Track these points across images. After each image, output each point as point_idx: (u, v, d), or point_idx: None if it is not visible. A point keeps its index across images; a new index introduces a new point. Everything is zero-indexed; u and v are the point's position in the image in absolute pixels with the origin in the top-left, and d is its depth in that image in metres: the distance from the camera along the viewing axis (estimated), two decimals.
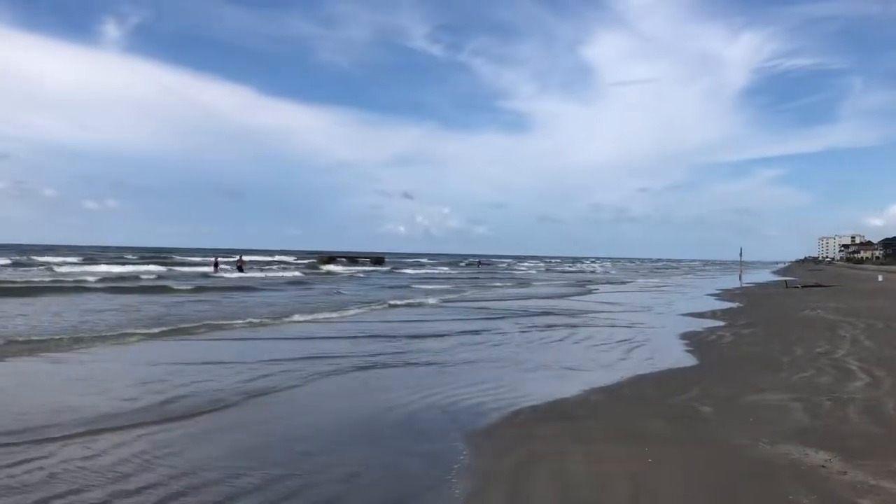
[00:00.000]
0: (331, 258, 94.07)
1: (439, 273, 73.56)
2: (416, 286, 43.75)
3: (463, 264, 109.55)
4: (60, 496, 5.67)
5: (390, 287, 42.39)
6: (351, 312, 23.81)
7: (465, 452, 7.19)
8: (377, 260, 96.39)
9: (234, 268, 55.66)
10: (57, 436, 7.49)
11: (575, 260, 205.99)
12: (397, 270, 74.62)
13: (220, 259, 69.10)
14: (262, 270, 58.91)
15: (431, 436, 7.91)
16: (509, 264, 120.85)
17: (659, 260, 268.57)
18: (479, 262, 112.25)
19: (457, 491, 6.01)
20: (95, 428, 7.87)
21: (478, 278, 61.24)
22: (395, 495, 5.94)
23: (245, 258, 70.87)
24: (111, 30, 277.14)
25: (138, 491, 5.85)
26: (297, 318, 21.14)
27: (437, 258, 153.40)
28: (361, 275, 57.97)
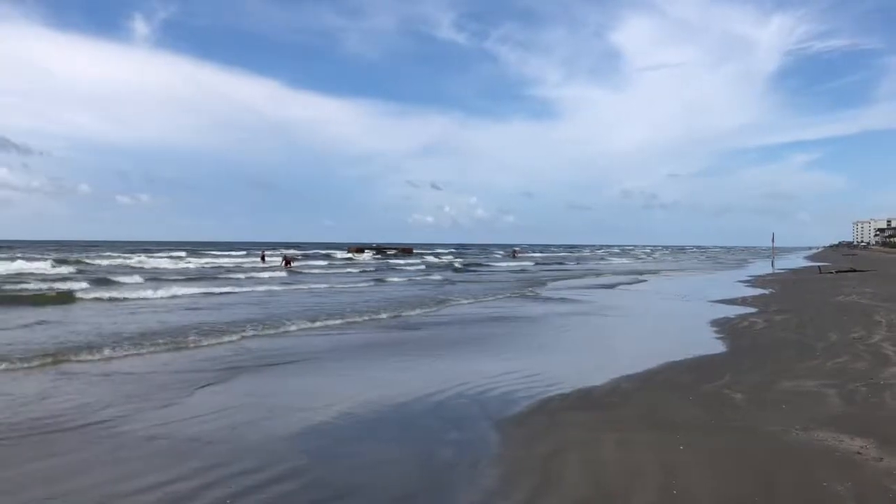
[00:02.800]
0: (360, 249, 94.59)
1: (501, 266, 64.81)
2: (500, 275, 43.85)
3: (500, 254, 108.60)
4: None
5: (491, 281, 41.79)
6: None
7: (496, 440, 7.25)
8: (406, 250, 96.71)
9: (282, 263, 56.13)
10: None
11: (604, 247, 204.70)
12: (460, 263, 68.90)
13: (266, 252, 69.65)
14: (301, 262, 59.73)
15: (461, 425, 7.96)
16: (557, 255, 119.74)
17: (688, 246, 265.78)
18: (514, 252, 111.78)
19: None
20: None
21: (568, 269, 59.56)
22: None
23: (288, 253, 71.69)
24: (140, 26, 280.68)
25: None
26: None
27: (466, 248, 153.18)
28: (428, 267, 56.92)
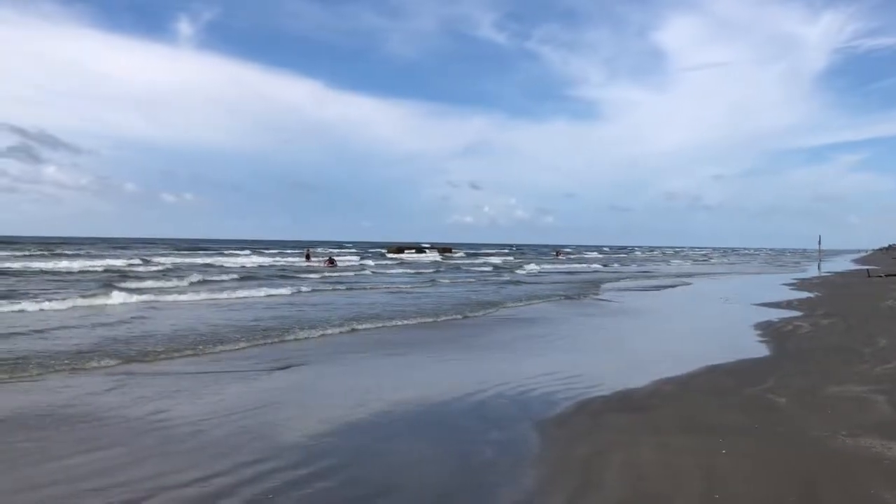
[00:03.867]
0: (399, 248, 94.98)
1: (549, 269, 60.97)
2: (538, 279, 43.72)
3: (544, 255, 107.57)
4: None
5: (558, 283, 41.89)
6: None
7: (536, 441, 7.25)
8: (444, 250, 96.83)
9: (325, 263, 56.81)
10: None
11: (647, 248, 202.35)
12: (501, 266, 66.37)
13: (311, 251, 70.40)
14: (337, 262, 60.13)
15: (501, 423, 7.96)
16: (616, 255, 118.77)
17: (733, 249, 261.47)
18: (557, 252, 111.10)
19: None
20: None
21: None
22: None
23: (329, 250, 72.45)
24: (185, 27, 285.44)
25: None
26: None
27: (503, 248, 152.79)
28: (488, 268, 56.30)
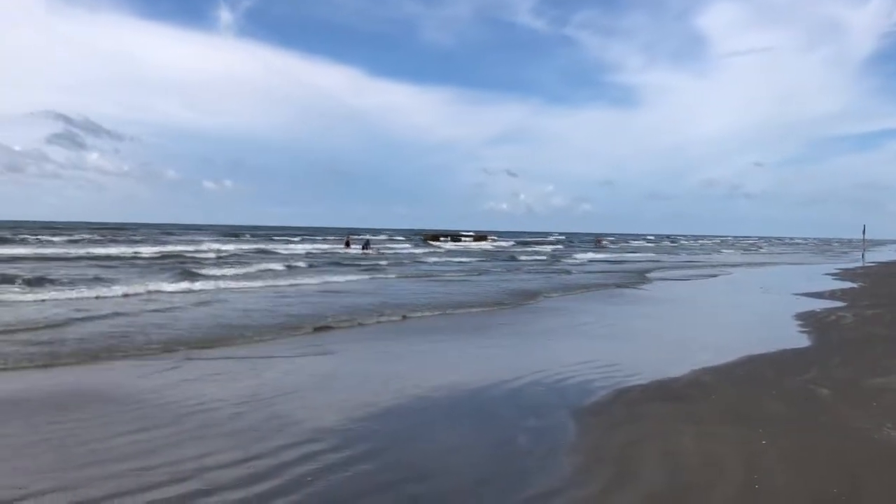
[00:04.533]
0: (434, 236, 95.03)
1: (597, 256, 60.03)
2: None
3: (572, 243, 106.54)
4: None
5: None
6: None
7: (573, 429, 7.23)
8: (480, 238, 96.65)
9: (361, 248, 57.34)
10: None
11: (690, 237, 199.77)
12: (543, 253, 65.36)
13: (351, 237, 70.88)
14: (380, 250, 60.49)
15: (539, 412, 7.95)
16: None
17: (774, 238, 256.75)
18: (598, 241, 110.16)
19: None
20: None
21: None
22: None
23: (365, 238, 72.89)
24: (225, 15, 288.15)
25: None
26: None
27: (539, 236, 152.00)
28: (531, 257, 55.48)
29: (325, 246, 62.70)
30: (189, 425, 7.16)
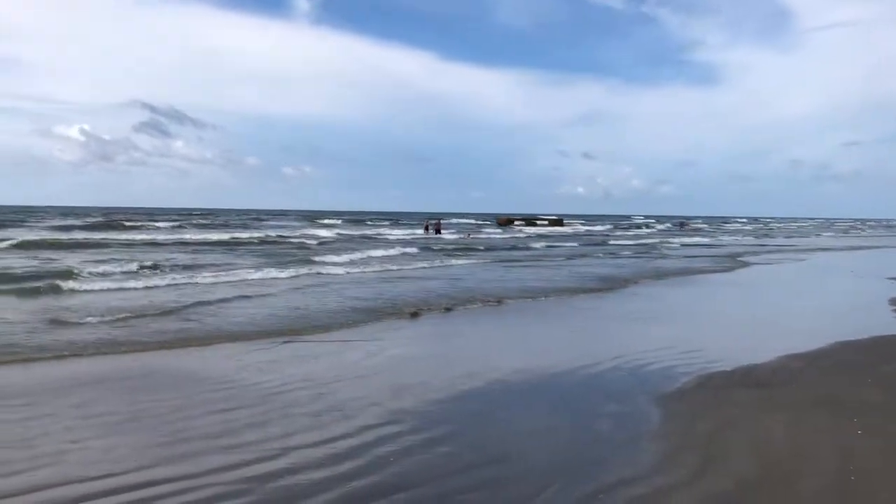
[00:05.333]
0: (509, 220, 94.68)
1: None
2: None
3: (662, 226, 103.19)
4: None
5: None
6: None
7: (655, 415, 7.11)
8: (555, 222, 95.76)
9: (433, 231, 58.03)
10: None
11: (782, 219, 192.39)
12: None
13: (430, 222, 71.46)
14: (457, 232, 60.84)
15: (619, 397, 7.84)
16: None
17: (865, 220, 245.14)
18: (682, 223, 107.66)
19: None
20: None
21: None
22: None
23: (442, 221, 73.36)
24: (302, 2, 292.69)
25: None
26: None
27: (616, 220, 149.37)
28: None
29: (412, 231, 63.02)
30: (275, 405, 7.35)
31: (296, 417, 6.92)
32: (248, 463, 5.60)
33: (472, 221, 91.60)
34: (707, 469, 5.52)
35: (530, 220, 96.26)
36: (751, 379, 8.63)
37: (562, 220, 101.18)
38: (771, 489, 5.12)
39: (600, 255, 35.67)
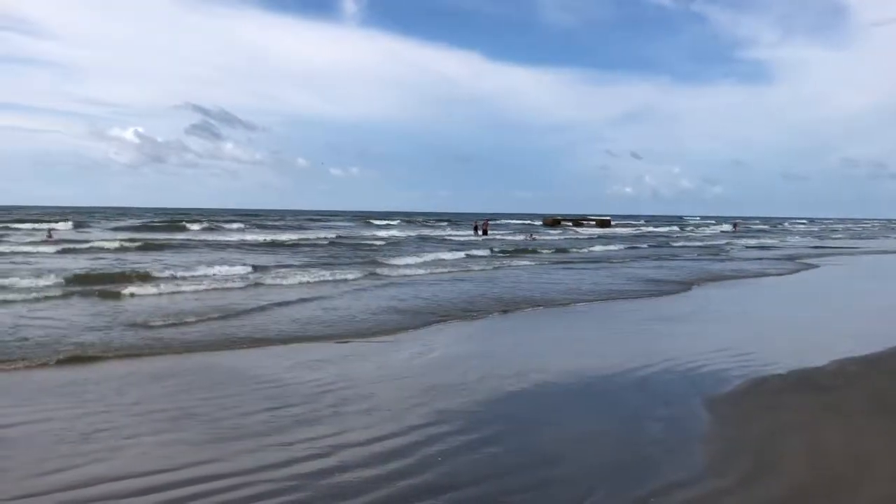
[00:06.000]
0: (556, 220, 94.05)
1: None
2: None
3: (721, 227, 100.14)
4: None
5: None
6: None
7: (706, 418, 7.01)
8: (602, 223, 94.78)
9: (481, 231, 58.10)
10: None
11: (840, 220, 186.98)
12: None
13: (478, 223, 71.54)
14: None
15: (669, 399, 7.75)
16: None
17: None
18: (735, 225, 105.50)
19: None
20: None
21: None
22: None
23: (490, 222, 73.34)
24: (349, 5, 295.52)
25: None
26: None
27: (666, 220, 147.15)
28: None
29: (465, 231, 62.83)
30: (325, 403, 7.45)
31: (345, 416, 7.01)
32: (300, 460, 5.70)
33: (521, 222, 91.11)
34: (760, 474, 5.42)
35: (577, 221, 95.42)
36: (806, 383, 8.44)
37: (609, 220, 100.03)
38: (827, 497, 5.02)
39: (664, 256, 34.95)
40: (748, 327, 13.05)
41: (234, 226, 61.28)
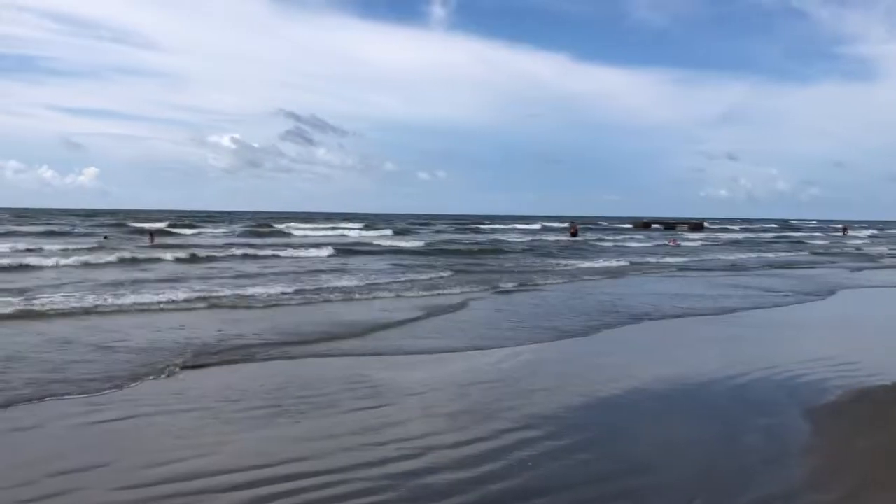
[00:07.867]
0: (646, 224, 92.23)
1: None
2: None
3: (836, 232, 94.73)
4: None
5: None
6: None
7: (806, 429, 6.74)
8: (695, 226, 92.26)
9: (569, 234, 58.03)
10: None
11: None
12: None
13: (573, 223, 71.03)
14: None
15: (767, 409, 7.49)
16: None
17: None
18: (845, 229, 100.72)
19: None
20: None
21: None
22: None
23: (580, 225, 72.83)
24: (437, 10, 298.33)
25: None
26: None
27: (760, 223, 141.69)
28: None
29: (552, 234, 62.17)
30: (416, 405, 7.56)
31: (435, 418, 7.08)
32: (392, 460, 5.79)
33: (614, 225, 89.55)
34: (865, 489, 5.19)
35: (669, 225, 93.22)
36: None
37: (702, 223, 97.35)
38: None
39: (803, 264, 33.02)
40: (852, 335, 12.48)
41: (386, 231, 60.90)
